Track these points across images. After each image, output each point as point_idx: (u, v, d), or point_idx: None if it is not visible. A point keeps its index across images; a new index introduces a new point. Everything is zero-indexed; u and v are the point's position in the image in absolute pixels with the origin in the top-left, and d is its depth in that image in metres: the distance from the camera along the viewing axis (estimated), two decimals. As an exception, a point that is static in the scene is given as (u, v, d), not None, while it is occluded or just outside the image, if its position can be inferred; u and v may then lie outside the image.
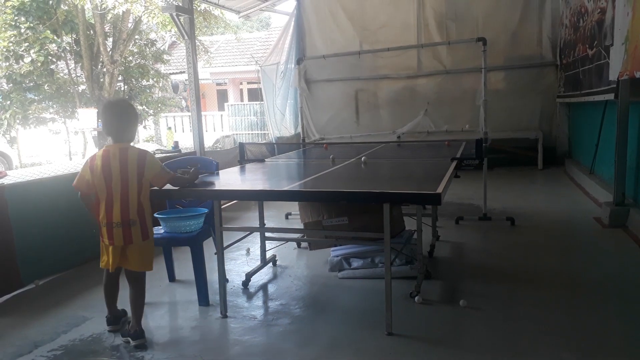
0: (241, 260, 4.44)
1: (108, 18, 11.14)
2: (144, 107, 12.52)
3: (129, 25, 11.45)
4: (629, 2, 4.53)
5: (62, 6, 10.24)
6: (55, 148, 13.20)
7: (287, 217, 5.87)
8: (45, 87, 10.64)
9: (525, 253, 4.29)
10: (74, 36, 10.85)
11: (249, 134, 14.62)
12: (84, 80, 11.36)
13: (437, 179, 2.96)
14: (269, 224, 5.04)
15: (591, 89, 6.26)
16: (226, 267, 3.63)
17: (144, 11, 10.20)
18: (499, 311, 3.11)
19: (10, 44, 9.62)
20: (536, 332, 2.81)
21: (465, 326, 2.94)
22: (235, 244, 4.06)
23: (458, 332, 2.88)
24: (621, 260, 4.11)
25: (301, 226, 3.88)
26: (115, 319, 3.11)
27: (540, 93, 9.07)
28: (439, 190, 2.65)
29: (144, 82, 12.54)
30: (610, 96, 5.22)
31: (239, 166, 4.37)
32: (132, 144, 2.99)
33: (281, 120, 9.98)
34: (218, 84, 21.28)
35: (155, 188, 3.02)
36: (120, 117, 2.88)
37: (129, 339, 2.88)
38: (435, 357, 2.61)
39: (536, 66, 9.10)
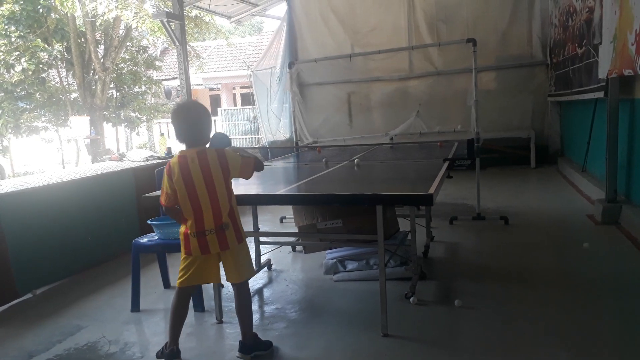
0: (236, 265, 4.42)
1: (99, 25, 11.13)
2: (136, 113, 12.52)
3: (120, 32, 11.44)
4: (616, 1, 4.57)
5: (52, 14, 10.22)
6: (48, 157, 13.16)
7: (281, 221, 5.87)
8: (37, 95, 10.62)
9: (519, 252, 4.31)
10: (65, 44, 10.84)
11: (242, 138, 14.61)
12: (76, 88, 11.34)
13: (430, 180, 2.98)
14: (263, 228, 5.04)
15: (581, 87, 6.31)
16: (221, 273, 3.62)
17: (133, 17, 10.19)
18: (494, 310, 3.12)
19: (1, 53, 9.60)
20: (531, 330, 2.83)
21: (461, 326, 2.95)
22: (230, 249, 4.05)
23: (453, 332, 2.89)
24: (614, 257, 4.14)
25: (296, 230, 3.88)
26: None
27: (531, 92, 9.12)
28: (431, 190, 2.66)
29: (136, 89, 12.53)
30: (600, 94, 5.26)
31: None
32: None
33: (277, 124, 9.99)
34: (211, 90, 21.26)
35: (151, 194, 3.01)
36: (191, 120, 2.61)
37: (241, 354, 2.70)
38: (431, 358, 2.62)
39: (527, 66, 9.16)
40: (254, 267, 4.08)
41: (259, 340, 2.78)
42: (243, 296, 2.77)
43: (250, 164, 2.72)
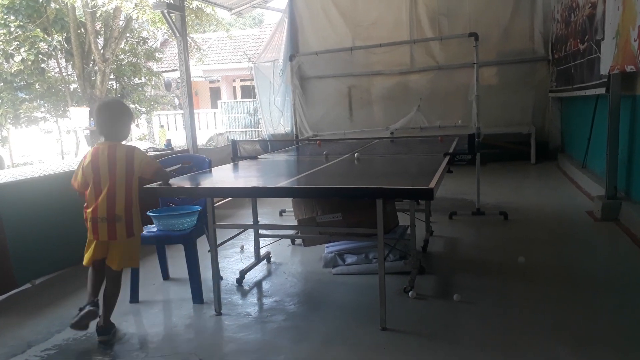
0: (235, 257, 4.43)
1: (99, 16, 11.07)
2: (136, 105, 12.48)
3: (120, 23, 11.39)
4: (619, -4, 4.55)
5: (52, 4, 10.16)
6: (47, 147, 13.13)
7: (281, 214, 5.87)
8: (36, 86, 10.58)
9: (518, 247, 4.30)
10: (65, 34, 10.78)
11: (242, 131, 14.59)
12: (76, 78, 11.30)
13: (430, 174, 2.96)
14: (262, 221, 5.04)
15: (583, 83, 6.29)
16: (220, 265, 3.63)
17: (133, 8, 10.14)
18: (492, 305, 3.13)
19: (0, 43, 9.54)
20: (529, 325, 2.83)
21: (459, 320, 2.95)
22: (229, 242, 4.03)
23: (452, 326, 2.89)
24: (613, 253, 4.15)
25: (295, 223, 3.87)
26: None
27: (532, 88, 9.11)
28: (432, 185, 2.65)
29: (136, 80, 12.49)
30: (602, 90, 5.25)
31: (232, 163, 4.36)
32: (124, 142, 3.05)
33: (279, 117, 9.96)
34: (211, 82, 21.21)
35: (152, 186, 3.05)
36: (111, 117, 2.93)
37: (96, 333, 2.90)
38: (430, 352, 2.62)
39: (528, 61, 9.14)
40: (253, 259, 4.12)
41: (113, 327, 2.96)
42: (113, 284, 2.96)
43: (153, 165, 3.00)
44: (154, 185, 3.15)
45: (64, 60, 11.27)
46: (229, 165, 4.25)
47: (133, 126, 14.79)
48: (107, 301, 2.94)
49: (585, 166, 6.77)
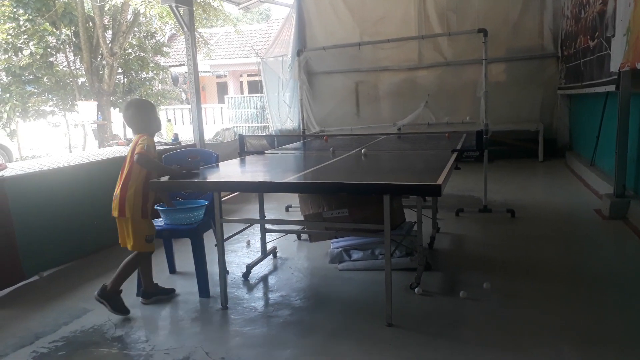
0: (241, 252, 4.45)
1: (107, 10, 11.09)
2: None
3: (128, 17, 11.40)
4: (631, -8, 4.49)
5: (60, -2, 10.18)
6: (55, 141, 13.19)
7: (287, 210, 5.87)
8: (45, 79, 10.61)
9: (525, 245, 4.29)
10: (73, 28, 10.80)
11: (249, 126, 14.59)
12: (84, 72, 11.32)
13: (438, 171, 2.95)
14: (269, 216, 5.04)
15: (592, 80, 6.24)
16: (226, 259, 3.64)
17: (141, 2, 10.14)
18: (498, 303, 3.12)
19: (9, 37, 9.58)
20: (536, 323, 2.82)
21: (465, 317, 2.95)
22: (236, 236, 4.06)
23: (458, 323, 2.88)
24: (621, 252, 4.12)
25: (301, 218, 3.88)
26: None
27: (541, 85, 9.04)
28: (439, 181, 2.64)
29: (144, 75, 12.49)
30: (612, 87, 5.20)
31: (239, 158, 4.37)
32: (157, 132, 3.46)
33: (288, 113, 9.95)
34: (218, 77, 21.23)
35: (160, 180, 3.14)
36: (131, 116, 3.27)
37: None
38: (435, 348, 2.62)
39: (537, 58, 9.07)
40: (260, 254, 4.13)
41: (119, 298, 3.18)
42: (129, 259, 3.23)
43: (138, 149, 3.08)
44: (162, 179, 3.17)
45: (72, 54, 11.30)
46: (236, 160, 4.25)
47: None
48: (120, 268, 3.21)
49: (594, 164, 6.72)
